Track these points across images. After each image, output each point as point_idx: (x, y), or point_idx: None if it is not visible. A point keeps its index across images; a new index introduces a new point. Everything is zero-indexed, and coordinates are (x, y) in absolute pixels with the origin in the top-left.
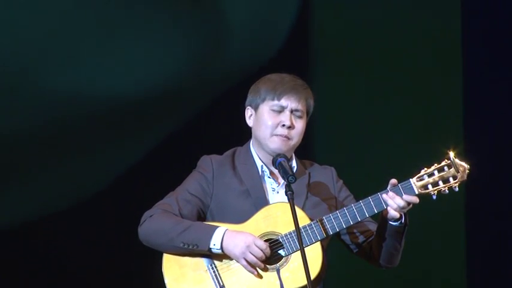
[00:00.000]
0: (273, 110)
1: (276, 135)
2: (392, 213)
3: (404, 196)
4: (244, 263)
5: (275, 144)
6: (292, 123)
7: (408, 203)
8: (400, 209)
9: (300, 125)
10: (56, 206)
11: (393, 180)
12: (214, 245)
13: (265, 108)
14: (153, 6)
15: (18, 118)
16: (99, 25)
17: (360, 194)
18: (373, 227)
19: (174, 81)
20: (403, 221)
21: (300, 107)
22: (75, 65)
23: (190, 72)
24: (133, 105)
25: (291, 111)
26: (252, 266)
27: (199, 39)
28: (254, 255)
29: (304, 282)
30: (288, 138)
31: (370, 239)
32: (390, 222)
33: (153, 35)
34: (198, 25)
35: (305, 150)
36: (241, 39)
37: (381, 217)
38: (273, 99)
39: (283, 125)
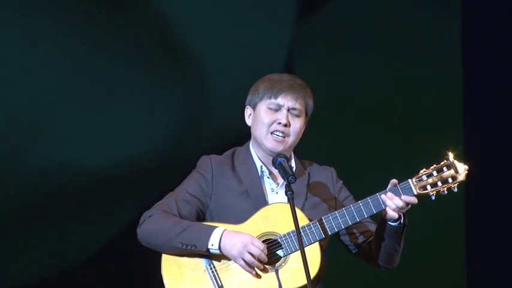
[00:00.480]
0: (270, 108)
1: (272, 133)
2: (391, 213)
3: (403, 197)
4: (242, 262)
5: (270, 143)
6: (288, 121)
7: (407, 204)
8: (398, 209)
9: (297, 123)
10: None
11: (393, 181)
12: (213, 245)
13: (263, 106)
14: (134, 80)
15: None
16: (78, 97)
17: (359, 194)
18: (372, 227)
19: (152, 156)
20: (402, 221)
21: (297, 105)
22: (51, 135)
23: (168, 147)
24: (111, 178)
25: (288, 110)
26: (250, 265)
27: (179, 115)
28: (252, 255)
29: (303, 282)
30: (283, 136)
31: (370, 239)
32: (389, 223)
33: (133, 109)
34: (178, 100)
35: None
36: (222, 111)
37: (380, 218)
38: (270, 98)
39: (279, 123)
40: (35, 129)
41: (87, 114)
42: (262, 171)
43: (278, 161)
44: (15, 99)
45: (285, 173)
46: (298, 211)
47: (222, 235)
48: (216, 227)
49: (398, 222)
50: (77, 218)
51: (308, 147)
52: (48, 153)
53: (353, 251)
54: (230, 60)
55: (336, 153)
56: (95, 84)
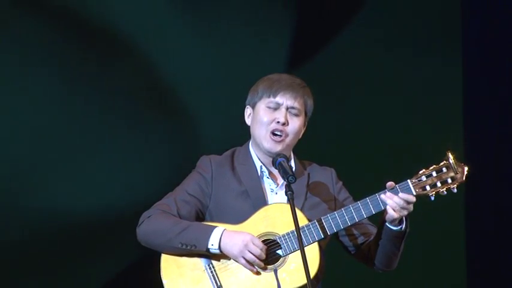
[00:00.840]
0: (269, 107)
1: (271, 132)
2: (391, 212)
3: (401, 194)
4: (243, 261)
5: (268, 143)
6: (286, 120)
7: (406, 202)
8: (398, 208)
9: (296, 123)
10: None
11: (390, 183)
12: (212, 245)
13: (262, 105)
14: (124, 128)
15: None
16: (66, 144)
17: (358, 195)
18: (372, 229)
19: (142, 201)
20: (403, 227)
21: (296, 104)
22: (40, 182)
23: (158, 194)
24: (102, 224)
25: (287, 109)
26: (251, 264)
27: (169, 162)
28: (252, 254)
29: (302, 282)
30: (281, 135)
31: (369, 241)
32: (390, 227)
33: (122, 156)
34: (168, 148)
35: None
36: None
37: (381, 221)
38: (269, 97)
39: (278, 122)
40: (24, 176)
41: (75, 161)
42: (262, 172)
43: (278, 161)
44: (5, 147)
45: (285, 173)
46: (297, 211)
47: (222, 235)
48: (216, 226)
49: (399, 227)
50: (68, 263)
51: (308, 148)
52: (38, 199)
53: (352, 252)
54: (219, 108)
55: (335, 154)
56: (84, 131)
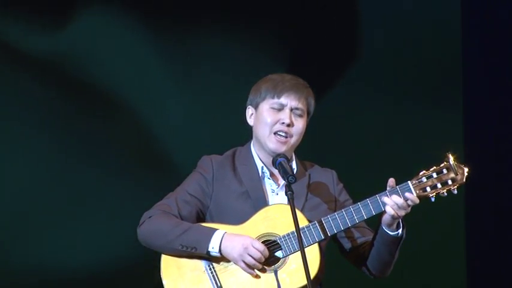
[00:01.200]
0: (273, 108)
1: (275, 133)
2: (389, 211)
3: (406, 194)
4: (243, 265)
5: (273, 144)
6: (291, 121)
7: (407, 203)
8: (396, 207)
9: (300, 123)
10: None
11: (391, 180)
12: (213, 248)
13: (265, 106)
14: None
15: None
16: (54, 202)
17: (358, 196)
18: (369, 234)
19: (130, 257)
20: (400, 233)
21: (300, 105)
22: (32, 239)
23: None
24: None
25: (291, 110)
26: (251, 267)
27: None
28: (252, 257)
29: (302, 283)
30: (286, 136)
31: (365, 245)
32: (386, 231)
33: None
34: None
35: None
36: None
37: (378, 223)
38: (273, 97)
39: (283, 123)
40: (14, 233)
41: (63, 218)
42: (263, 172)
43: (278, 161)
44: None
45: (285, 173)
46: (297, 212)
47: (222, 238)
48: (217, 229)
49: (396, 232)
50: None
51: (308, 148)
52: (27, 256)
53: (347, 254)
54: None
55: (335, 155)
56: (71, 189)
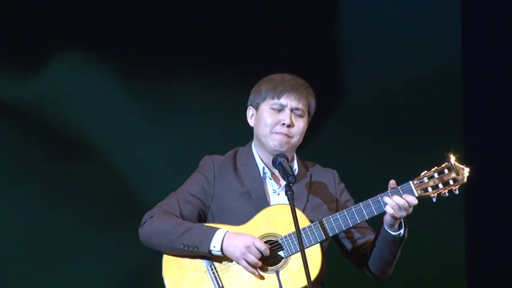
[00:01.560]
0: (273, 109)
1: (276, 133)
2: (390, 211)
3: (405, 196)
4: (245, 264)
5: (275, 141)
6: (292, 121)
7: (407, 203)
8: (397, 207)
9: (300, 124)
10: None
11: (392, 181)
12: (215, 247)
13: (266, 107)
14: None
15: None
16: (36, 247)
17: (360, 197)
18: (371, 235)
19: None
20: (401, 233)
21: (300, 105)
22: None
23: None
24: None
25: (291, 110)
26: (253, 266)
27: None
28: (254, 256)
29: (304, 283)
30: (288, 136)
31: (367, 245)
32: (388, 231)
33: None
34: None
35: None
36: None
37: (380, 224)
38: (273, 98)
39: (283, 124)
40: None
41: (46, 263)
42: (264, 173)
43: (278, 161)
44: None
45: (285, 173)
46: (299, 212)
47: (224, 237)
48: (218, 228)
49: (398, 232)
50: None
51: (308, 149)
52: None
53: (349, 254)
54: None
55: (336, 155)
56: (53, 235)
